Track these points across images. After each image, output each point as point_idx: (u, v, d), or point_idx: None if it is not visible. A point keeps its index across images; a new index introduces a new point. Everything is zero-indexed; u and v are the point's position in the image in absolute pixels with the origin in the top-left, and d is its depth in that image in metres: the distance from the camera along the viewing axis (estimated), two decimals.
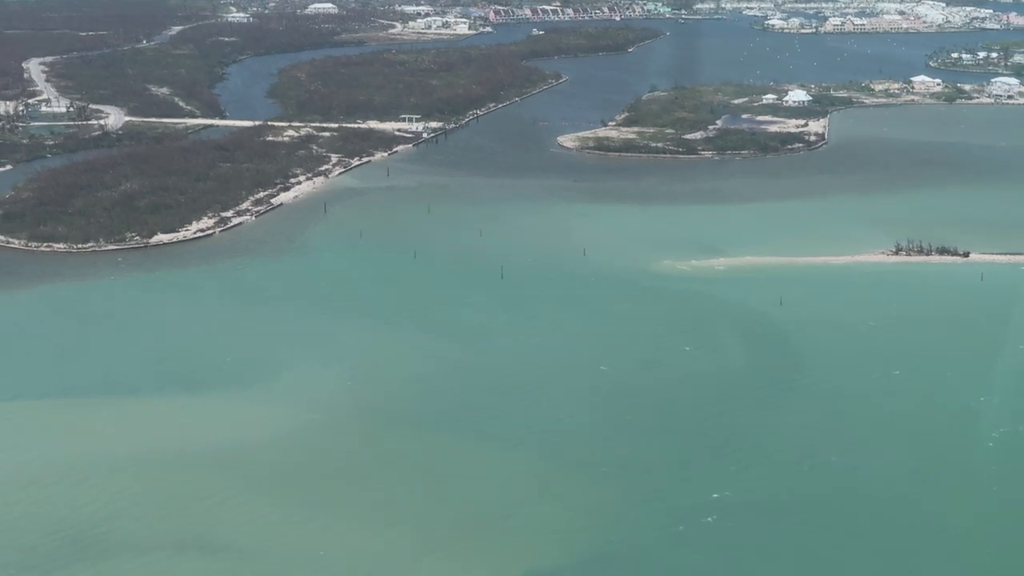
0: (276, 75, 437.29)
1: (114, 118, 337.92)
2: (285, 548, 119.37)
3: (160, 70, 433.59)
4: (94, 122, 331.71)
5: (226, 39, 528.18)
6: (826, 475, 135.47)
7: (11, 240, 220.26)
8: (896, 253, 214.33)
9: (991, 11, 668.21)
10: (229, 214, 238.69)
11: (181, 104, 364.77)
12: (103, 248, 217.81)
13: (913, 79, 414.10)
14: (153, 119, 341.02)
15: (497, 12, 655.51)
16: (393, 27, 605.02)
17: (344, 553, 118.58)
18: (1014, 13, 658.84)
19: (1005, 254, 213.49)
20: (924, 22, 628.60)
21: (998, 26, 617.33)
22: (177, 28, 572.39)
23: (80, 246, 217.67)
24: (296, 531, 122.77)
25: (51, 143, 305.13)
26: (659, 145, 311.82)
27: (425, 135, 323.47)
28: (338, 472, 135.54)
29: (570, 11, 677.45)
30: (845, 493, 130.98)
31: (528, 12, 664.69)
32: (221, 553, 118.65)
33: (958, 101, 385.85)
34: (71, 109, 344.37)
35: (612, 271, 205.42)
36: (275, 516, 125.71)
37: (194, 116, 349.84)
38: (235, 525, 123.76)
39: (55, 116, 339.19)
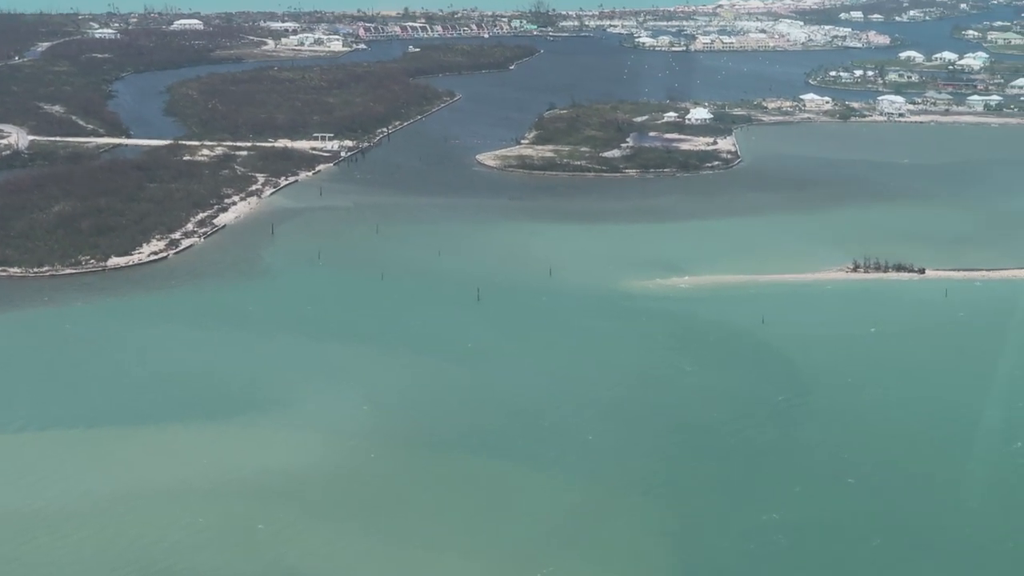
0: (165, 92, 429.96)
1: (16, 137, 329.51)
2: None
3: (44, 87, 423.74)
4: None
5: (100, 55, 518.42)
6: (873, 491, 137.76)
7: None
8: (855, 270, 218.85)
9: (850, 30, 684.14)
10: (177, 236, 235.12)
11: (80, 123, 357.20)
12: (60, 272, 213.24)
13: (803, 97, 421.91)
14: (57, 138, 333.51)
15: (367, 29, 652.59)
16: (266, 43, 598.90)
17: None
18: (873, 32, 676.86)
19: (959, 270, 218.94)
20: (788, 40, 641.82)
21: (860, 44, 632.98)
22: (45, 44, 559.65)
23: (36, 270, 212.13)
24: (375, 562, 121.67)
25: None
26: (580, 163, 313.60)
27: (343, 154, 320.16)
28: (395, 499, 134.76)
29: (439, 28, 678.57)
30: (901, 509, 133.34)
31: (397, 29, 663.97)
32: None
33: (852, 119, 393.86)
34: None
35: (583, 291, 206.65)
36: (349, 546, 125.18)
37: (98, 135, 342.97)
38: (314, 557, 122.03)
39: None
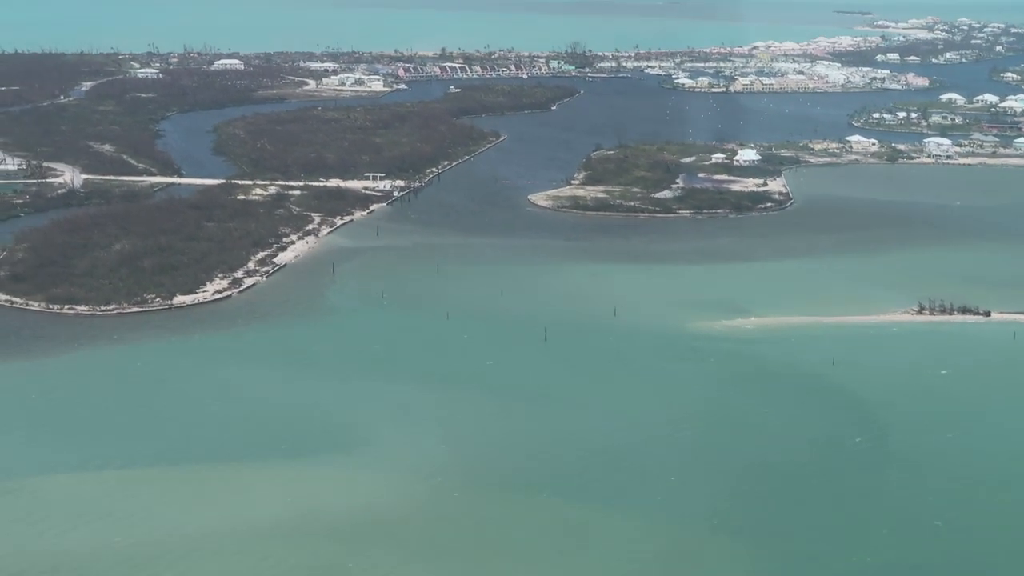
0: (212, 132, 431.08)
1: (70, 175, 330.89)
2: None
3: (92, 127, 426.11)
4: (53, 180, 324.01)
5: (143, 95, 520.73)
6: (961, 534, 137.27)
7: (30, 303, 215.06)
8: (920, 312, 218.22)
9: (888, 72, 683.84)
10: (239, 275, 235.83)
11: (132, 162, 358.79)
12: (127, 311, 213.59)
13: (849, 138, 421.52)
14: (110, 177, 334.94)
15: (406, 69, 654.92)
16: (307, 83, 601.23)
17: None
18: (912, 74, 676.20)
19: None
20: (828, 82, 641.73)
21: (899, 86, 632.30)
22: (89, 83, 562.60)
23: (103, 308, 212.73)
24: None
25: (19, 202, 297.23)
26: (632, 204, 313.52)
27: (395, 193, 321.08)
28: (483, 539, 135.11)
29: (478, 68, 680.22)
30: (991, 552, 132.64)
31: (437, 70, 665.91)
32: None
33: (899, 161, 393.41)
34: (23, 167, 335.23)
35: (650, 331, 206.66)
36: None
37: (150, 174, 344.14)
38: None
39: (8, 174, 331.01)
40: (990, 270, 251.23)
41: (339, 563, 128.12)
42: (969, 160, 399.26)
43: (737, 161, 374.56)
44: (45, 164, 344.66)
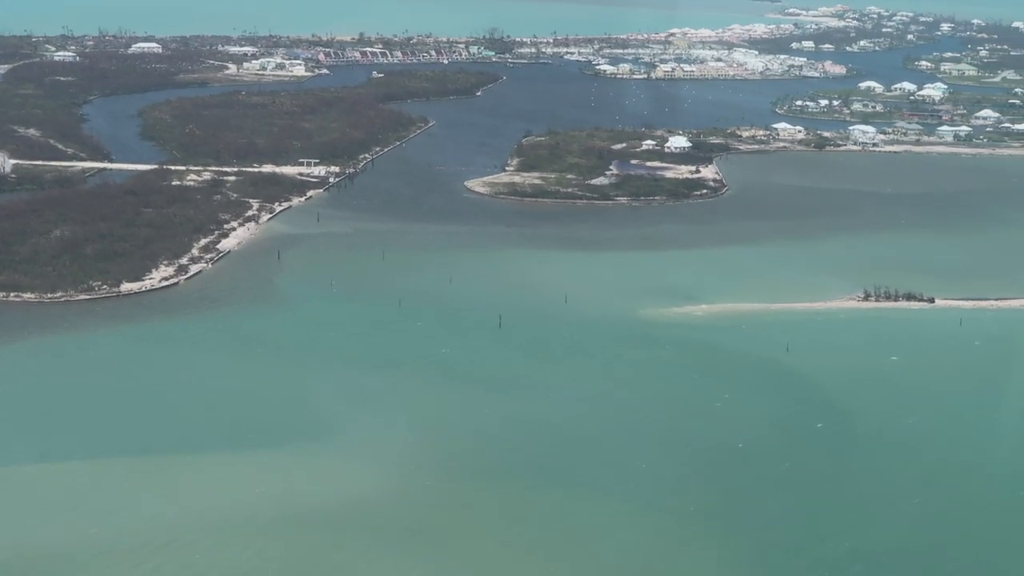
0: (137, 116, 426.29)
1: None
2: None
3: (15, 110, 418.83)
4: None
5: (63, 78, 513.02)
6: (938, 520, 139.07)
7: None
8: (866, 299, 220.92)
9: (806, 59, 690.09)
10: (184, 261, 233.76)
11: (59, 146, 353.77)
12: (75, 298, 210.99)
13: (775, 126, 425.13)
14: (39, 162, 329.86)
15: (327, 54, 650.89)
16: (227, 68, 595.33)
17: None
18: (829, 62, 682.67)
19: (968, 299, 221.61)
20: (747, 69, 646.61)
21: (817, 74, 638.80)
22: (4, 66, 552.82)
23: (50, 296, 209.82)
24: None
25: None
26: (569, 191, 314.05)
27: (331, 180, 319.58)
28: (463, 527, 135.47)
29: (399, 54, 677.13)
30: (968, 537, 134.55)
31: (357, 55, 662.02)
32: None
33: (827, 148, 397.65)
34: None
35: (602, 318, 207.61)
36: (431, 572, 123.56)
37: (79, 159, 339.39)
38: None
39: None
40: (929, 257, 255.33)
41: (322, 553, 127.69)
42: (894, 148, 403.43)
43: (668, 148, 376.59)
44: None
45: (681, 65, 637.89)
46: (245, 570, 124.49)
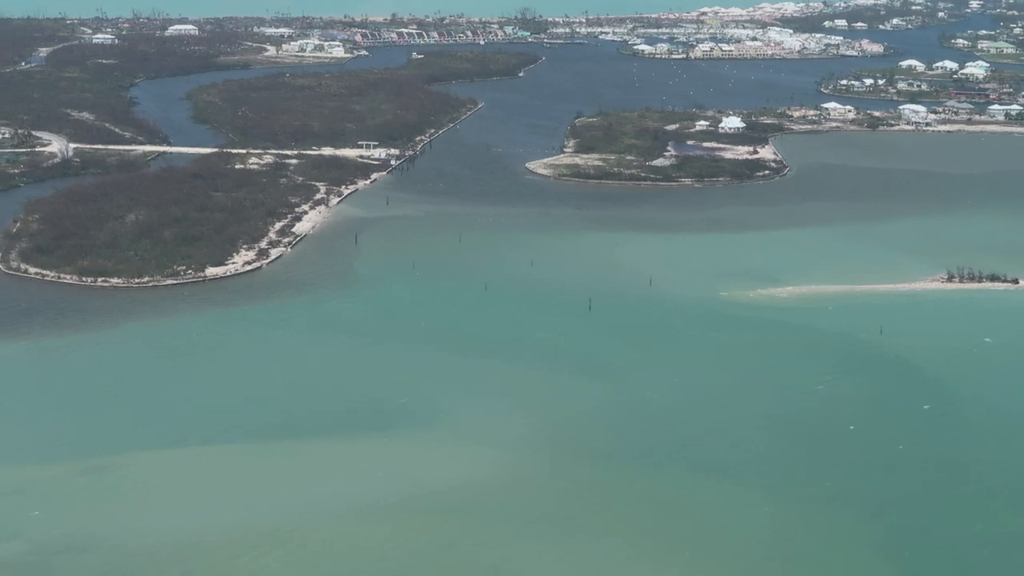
0: (185, 99, 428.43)
1: (58, 145, 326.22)
2: None
3: (64, 94, 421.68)
4: (42, 149, 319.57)
5: (105, 61, 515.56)
6: None
7: (61, 275, 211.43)
8: (949, 280, 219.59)
9: (842, 38, 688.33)
10: (263, 246, 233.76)
11: (116, 130, 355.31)
12: (161, 283, 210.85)
13: (825, 106, 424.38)
14: (99, 145, 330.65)
15: (364, 35, 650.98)
16: (266, 50, 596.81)
17: None
18: (866, 40, 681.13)
19: None
20: (784, 48, 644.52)
21: (854, 52, 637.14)
22: (45, 49, 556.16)
23: (138, 281, 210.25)
24: (597, 572, 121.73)
25: (15, 172, 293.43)
26: (633, 172, 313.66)
27: (392, 162, 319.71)
28: (591, 514, 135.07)
29: (435, 35, 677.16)
30: None
31: (394, 36, 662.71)
32: None
33: (879, 128, 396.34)
34: (6, 136, 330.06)
35: (690, 301, 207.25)
36: (563, 560, 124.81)
37: (137, 142, 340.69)
38: (545, 570, 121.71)
39: None
40: (1006, 237, 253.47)
41: (453, 539, 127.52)
42: (947, 127, 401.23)
43: (722, 128, 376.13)
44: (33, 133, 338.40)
45: (719, 45, 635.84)
46: (379, 556, 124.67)
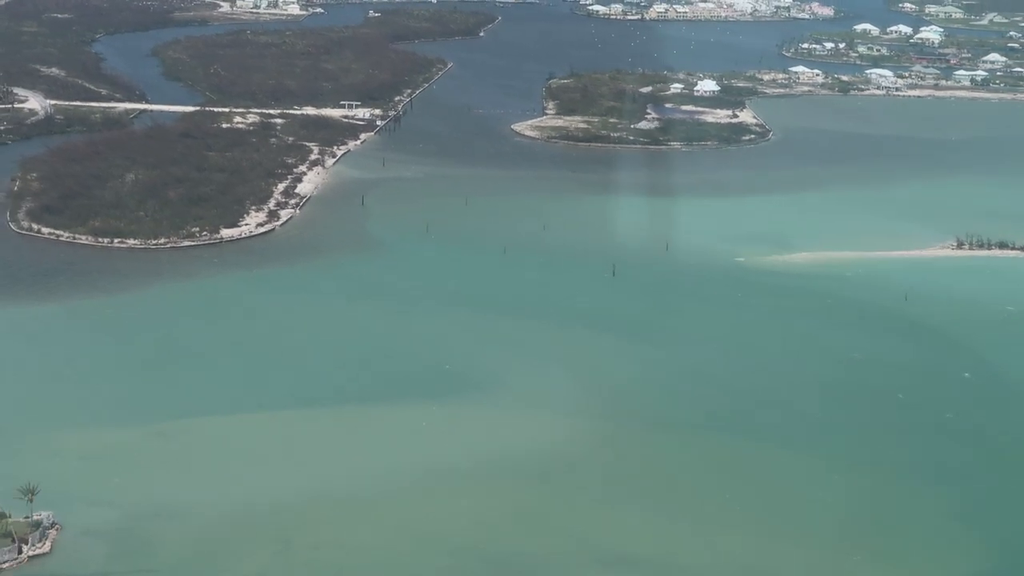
0: (151, 55, 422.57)
1: (36, 102, 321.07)
2: (690, 558, 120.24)
3: (28, 49, 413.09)
4: (20, 106, 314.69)
5: (61, 16, 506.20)
6: None
7: (76, 236, 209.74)
8: (959, 247, 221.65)
9: (791, 0, 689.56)
10: (271, 207, 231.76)
11: (90, 86, 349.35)
12: (179, 245, 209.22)
13: (793, 69, 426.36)
14: (77, 102, 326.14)
15: None
16: (219, 6, 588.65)
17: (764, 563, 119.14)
18: (816, 3, 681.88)
19: None
20: (736, 10, 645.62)
21: (806, 15, 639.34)
22: None
23: (155, 242, 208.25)
24: (677, 541, 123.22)
25: (1, 129, 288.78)
26: (619, 135, 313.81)
27: (377, 123, 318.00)
28: (671, 480, 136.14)
29: None
30: None
31: None
32: (645, 566, 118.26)
33: (851, 92, 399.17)
34: None
35: (708, 266, 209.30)
36: (643, 525, 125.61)
37: (115, 99, 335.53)
38: (618, 537, 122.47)
39: None
40: (1002, 204, 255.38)
41: (539, 508, 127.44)
42: (917, 92, 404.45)
43: (698, 91, 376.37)
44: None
45: (673, 6, 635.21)
46: (467, 525, 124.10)
